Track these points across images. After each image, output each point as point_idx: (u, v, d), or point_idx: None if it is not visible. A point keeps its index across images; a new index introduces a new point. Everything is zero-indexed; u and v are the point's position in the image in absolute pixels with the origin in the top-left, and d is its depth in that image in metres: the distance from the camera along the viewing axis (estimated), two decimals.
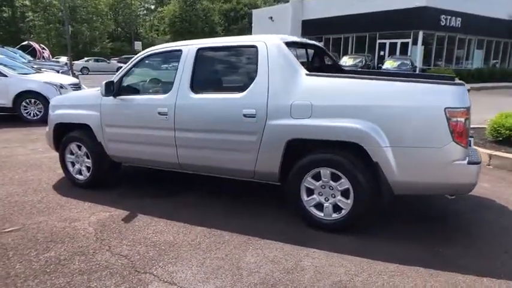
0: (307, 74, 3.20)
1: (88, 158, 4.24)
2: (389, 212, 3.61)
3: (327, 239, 3.08)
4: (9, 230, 3.27)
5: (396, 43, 23.24)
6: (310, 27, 27.21)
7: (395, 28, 22.54)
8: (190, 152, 3.68)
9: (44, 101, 8.50)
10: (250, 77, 3.39)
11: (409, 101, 2.84)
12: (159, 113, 3.70)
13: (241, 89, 3.40)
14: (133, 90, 4.09)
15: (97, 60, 32.87)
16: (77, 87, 9.21)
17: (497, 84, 21.26)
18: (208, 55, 3.71)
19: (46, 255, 2.85)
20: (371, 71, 6.84)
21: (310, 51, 4.43)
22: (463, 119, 2.75)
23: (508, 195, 4.06)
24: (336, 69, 4.47)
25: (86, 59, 32.84)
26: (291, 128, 3.14)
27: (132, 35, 43.23)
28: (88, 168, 4.28)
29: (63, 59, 28.99)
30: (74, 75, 14.77)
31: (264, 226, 3.33)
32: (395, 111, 2.86)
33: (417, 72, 19.44)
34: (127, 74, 4.01)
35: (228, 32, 57.55)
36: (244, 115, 3.30)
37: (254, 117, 3.27)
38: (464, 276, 2.56)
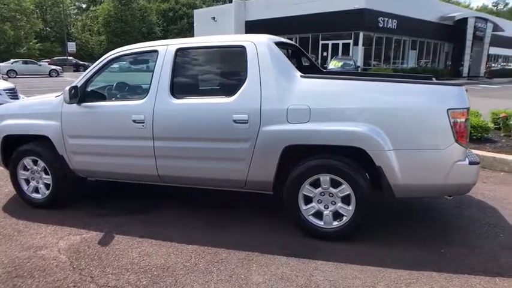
0: (302, 76, 3.04)
1: (47, 173, 3.72)
2: (375, 215, 3.55)
3: (329, 248, 2.94)
4: None
5: (338, 44, 24.07)
6: (253, 28, 27.26)
7: (337, 29, 23.34)
8: (172, 163, 3.35)
9: None
10: (239, 80, 3.15)
11: (411, 102, 2.79)
12: (135, 121, 3.32)
13: (229, 93, 3.15)
14: (100, 96, 3.65)
15: (25, 62, 30.12)
16: (13, 92, 8.26)
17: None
18: (189, 56, 3.40)
19: None
20: (364, 72, 6.82)
21: (289, 52, 4.28)
22: (464, 120, 2.75)
23: (483, 190, 4.22)
24: (315, 70, 4.36)
25: (12, 60, 29.96)
26: (288, 133, 2.95)
27: (65, 36, 40.23)
28: (47, 185, 3.75)
29: None
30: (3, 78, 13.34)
31: (261, 239, 3.11)
32: (397, 113, 2.79)
33: (359, 71, 20.26)
34: (92, 77, 3.57)
35: (167, 33, 56.13)
36: (235, 121, 3.06)
37: (246, 123, 3.03)
38: (477, 277, 2.55)
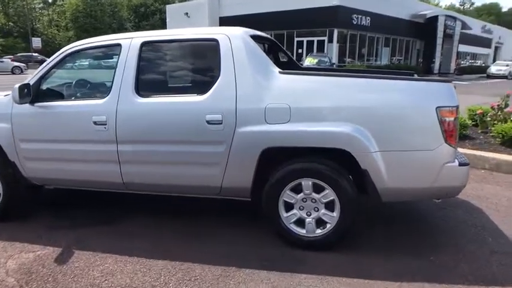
0: (280, 72, 2.78)
1: None
2: (358, 220, 3.35)
3: (313, 259, 2.71)
4: None
5: (313, 41, 24.05)
6: (227, 24, 26.81)
7: (312, 26, 23.30)
8: (138, 169, 3.03)
9: None
10: (212, 77, 2.87)
11: (398, 100, 2.59)
12: (95, 123, 2.98)
13: (201, 91, 2.86)
14: (57, 94, 3.29)
15: None
16: None
17: None
18: (155, 50, 3.08)
19: None
20: (346, 69, 6.58)
21: (266, 46, 4.01)
22: (453, 118, 2.57)
23: (466, 190, 4.04)
24: (293, 66, 4.12)
25: None
26: (267, 135, 2.69)
27: (29, 31, 38.45)
28: None
29: None
30: None
31: (239, 251, 2.84)
32: (384, 112, 2.58)
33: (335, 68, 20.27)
34: (47, 74, 3.19)
35: (139, 29, 54.76)
36: (208, 122, 2.77)
37: (220, 123, 2.75)
38: (471, 287, 2.38)
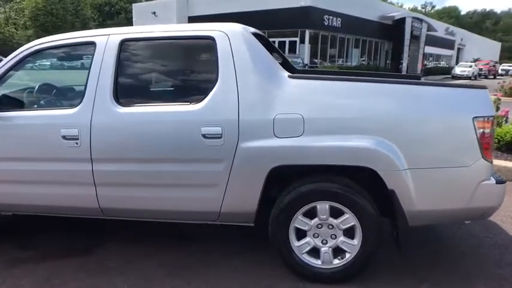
0: (290, 77, 2.37)
1: None
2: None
3: None
4: None
5: (285, 42, 23.81)
6: None
7: (283, 27, 23.04)
8: (118, 192, 2.54)
9: None
10: (207, 82, 2.42)
11: (432, 110, 2.24)
12: (65, 137, 2.46)
13: (195, 98, 2.40)
14: (16, 103, 2.72)
15: None
16: None
17: None
18: (138, 50, 2.59)
19: None
20: (357, 72, 6.13)
21: None
22: (489, 130, 2.25)
23: None
24: (291, 69, 3.70)
25: None
26: (276, 151, 2.27)
27: None
28: None
29: None
30: None
31: (239, 285, 2.40)
32: (414, 124, 2.23)
33: (307, 69, 20.11)
34: (3, 78, 2.63)
35: (104, 27, 52.85)
36: (204, 135, 2.32)
37: (220, 138, 2.31)
38: None
